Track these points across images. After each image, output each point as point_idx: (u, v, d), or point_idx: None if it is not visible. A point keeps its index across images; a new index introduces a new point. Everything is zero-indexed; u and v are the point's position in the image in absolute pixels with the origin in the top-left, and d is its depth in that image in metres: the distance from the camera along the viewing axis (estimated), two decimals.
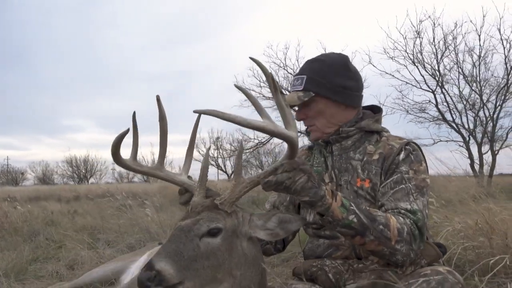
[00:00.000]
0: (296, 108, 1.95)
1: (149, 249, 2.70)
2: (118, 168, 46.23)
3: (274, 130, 1.41)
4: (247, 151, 19.33)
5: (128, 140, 1.60)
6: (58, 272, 3.20)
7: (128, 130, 1.53)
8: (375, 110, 2.02)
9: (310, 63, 1.92)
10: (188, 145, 1.84)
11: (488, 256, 2.21)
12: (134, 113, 1.60)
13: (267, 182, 1.43)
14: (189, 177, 1.77)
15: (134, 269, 2.45)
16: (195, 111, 1.35)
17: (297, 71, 1.96)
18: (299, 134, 1.66)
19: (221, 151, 26.59)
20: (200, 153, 25.52)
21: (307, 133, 2.05)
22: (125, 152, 1.62)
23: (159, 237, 4.05)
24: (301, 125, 2.06)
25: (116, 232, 4.67)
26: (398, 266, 1.60)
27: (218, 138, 27.21)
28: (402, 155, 1.77)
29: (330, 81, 1.84)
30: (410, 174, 1.71)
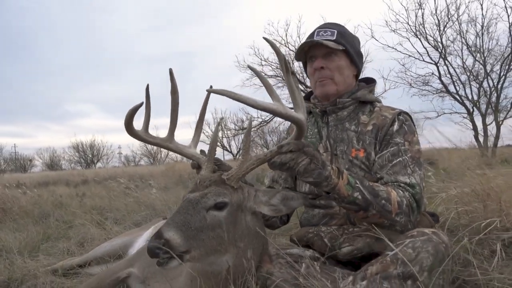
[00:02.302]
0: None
1: (154, 224, 2.79)
2: (125, 152, 46.63)
3: (283, 113, 1.45)
4: (252, 130, 19.38)
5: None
6: (69, 249, 3.32)
7: (142, 103, 1.58)
8: (369, 81, 2.08)
9: (336, 25, 2.00)
10: (198, 119, 1.88)
11: (482, 220, 2.27)
12: (148, 86, 1.64)
13: (273, 162, 1.50)
14: (202, 151, 1.82)
15: (140, 242, 2.55)
16: (207, 90, 1.40)
17: (319, 26, 2.00)
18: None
19: (225, 131, 26.61)
20: (204, 133, 25.58)
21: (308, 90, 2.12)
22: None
23: (164, 214, 4.17)
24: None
25: (123, 211, 4.80)
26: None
27: (222, 118, 27.20)
28: (395, 126, 1.82)
29: (354, 45, 1.97)
30: (406, 146, 1.78)
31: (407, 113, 1.90)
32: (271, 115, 16.43)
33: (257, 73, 1.50)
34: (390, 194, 1.60)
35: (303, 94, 2.04)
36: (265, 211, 1.65)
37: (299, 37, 15.13)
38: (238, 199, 1.59)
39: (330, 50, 1.90)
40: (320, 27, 1.97)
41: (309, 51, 1.97)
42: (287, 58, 1.39)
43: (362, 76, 2.15)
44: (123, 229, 3.74)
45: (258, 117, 17.79)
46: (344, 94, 1.96)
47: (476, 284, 1.83)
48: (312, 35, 1.96)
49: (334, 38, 1.89)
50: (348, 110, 1.95)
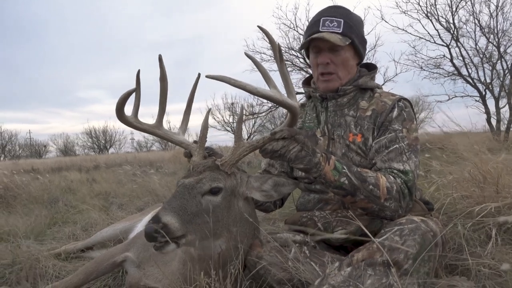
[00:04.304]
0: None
1: (153, 209, 2.85)
2: (137, 138, 47.07)
3: (280, 99, 1.49)
4: (261, 115, 19.31)
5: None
6: (74, 234, 3.39)
7: (134, 90, 1.60)
8: (370, 67, 2.05)
9: (341, 9, 1.89)
10: (186, 105, 1.89)
11: (479, 205, 2.25)
12: (139, 71, 1.65)
13: (264, 149, 1.53)
14: (195, 141, 1.82)
15: (139, 227, 2.61)
16: (207, 76, 1.41)
17: (323, 11, 1.89)
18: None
19: (235, 116, 26.54)
20: (215, 119, 25.66)
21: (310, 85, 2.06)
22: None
23: (165, 199, 4.22)
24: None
25: (128, 197, 4.89)
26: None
27: (232, 103, 27.15)
28: (395, 113, 1.81)
29: (359, 32, 1.89)
30: (403, 133, 1.76)
31: (407, 100, 1.87)
32: None
33: (254, 61, 1.52)
34: (379, 180, 1.60)
35: (303, 79, 2.05)
36: (257, 197, 1.68)
37: (308, 20, 14.88)
38: (232, 184, 1.62)
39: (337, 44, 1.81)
40: (326, 14, 1.86)
41: (314, 40, 1.87)
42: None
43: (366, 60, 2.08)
44: (126, 214, 3.81)
45: (268, 102, 17.68)
46: (348, 81, 1.93)
47: (468, 269, 1.84)
48: (317, 23, 1.85)
49: (341, 30, 1.81)
50: (348, 96, 1.93)
